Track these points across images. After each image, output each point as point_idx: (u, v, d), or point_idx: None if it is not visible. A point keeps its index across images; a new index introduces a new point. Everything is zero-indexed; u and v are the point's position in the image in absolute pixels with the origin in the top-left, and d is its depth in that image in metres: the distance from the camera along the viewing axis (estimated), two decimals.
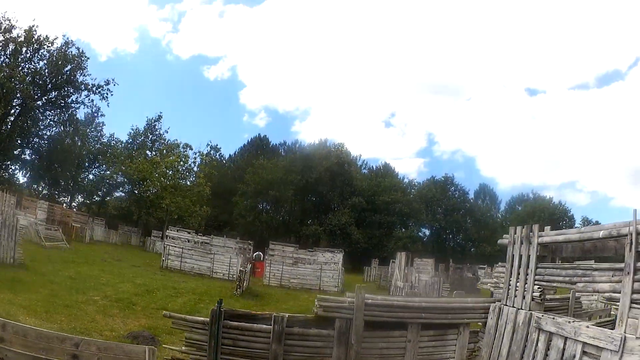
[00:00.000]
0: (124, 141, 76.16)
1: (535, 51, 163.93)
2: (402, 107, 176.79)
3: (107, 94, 65.69)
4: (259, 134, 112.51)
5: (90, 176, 73.46)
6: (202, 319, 9.20)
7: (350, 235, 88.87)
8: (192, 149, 73.98)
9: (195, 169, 75.34)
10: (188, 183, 72.98)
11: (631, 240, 6.54)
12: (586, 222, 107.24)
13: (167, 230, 42.00)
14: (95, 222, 58.41)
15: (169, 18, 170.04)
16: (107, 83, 65.34)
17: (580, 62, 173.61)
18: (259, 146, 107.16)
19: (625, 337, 6.22)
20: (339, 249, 44.85)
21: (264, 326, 8.75)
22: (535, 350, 8.05)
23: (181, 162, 69.77)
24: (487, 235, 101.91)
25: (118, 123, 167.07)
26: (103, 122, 72.61)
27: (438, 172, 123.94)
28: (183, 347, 9.31)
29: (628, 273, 6.51)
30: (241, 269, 30.13)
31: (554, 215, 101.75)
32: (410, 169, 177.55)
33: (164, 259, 38.80)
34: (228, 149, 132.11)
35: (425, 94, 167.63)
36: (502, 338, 8.93)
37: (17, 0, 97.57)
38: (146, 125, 75.61)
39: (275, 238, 62.24)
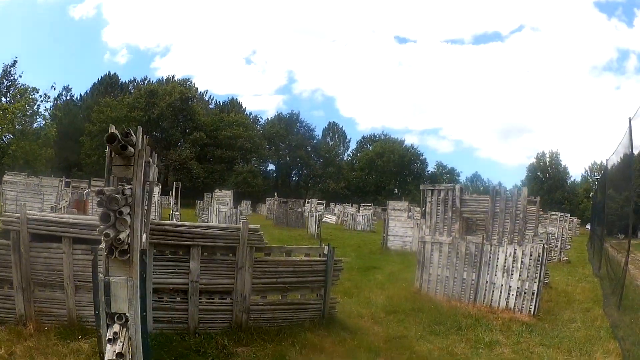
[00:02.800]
0: None
1: (410, 1, 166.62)
2: (264, 45, 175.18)
3: None
4: (109, 72, 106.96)
5: None
6: None
7: (191, 170, 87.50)
8: (38, 92, 69.15)
9: (42, 112, 70.70)
10: (36, 126, 68.81)
11: None
12: (440, 166, 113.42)
13: (5, 175, 39.34)
14: None
15: None
16: None
17: (458, 19, 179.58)
18: (108, 84, 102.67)
19: None
20: (158, 183, 43.33)
21: None
22: None
23: (27, 107, 65.19)
24: (333, 172, 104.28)
25: None
26: None
27: (297, 110, 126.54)
28: None
29: None
30: (52, 205, 28.64)
31: (404, 157, 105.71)
32: (269, 106, 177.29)
33: (2, 204, 36.09)
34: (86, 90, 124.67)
35: (288, 32, 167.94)
36: None
37: None
38: (2, 71, 69.83)
39: None
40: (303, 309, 9.83)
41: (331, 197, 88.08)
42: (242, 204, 69.38)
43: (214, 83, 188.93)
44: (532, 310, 12.08)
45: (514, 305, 12.29)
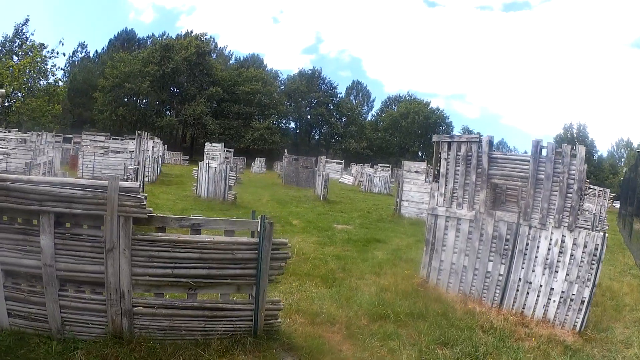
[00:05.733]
0: None
1: None
2: (290, 3, 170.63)
3: None
4: (126, 28, 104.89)
5: None
6: None
7: (206, 126, 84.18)
8: (45, 48, 66.54)
9: (51, 68, 68.27)
10: (45, 83, 66.76)
11: None
12: (466, 131, 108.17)
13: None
14: None
15: None
16: None
17: None
18: (125, 40, 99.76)
19: None
20: (151, 136, 39.63)
21: None
22: None
23: (37, 63, 62.74)
24: (355, 131, 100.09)
25: None
26: None
27: (324, 70, 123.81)
28: None
29: None
30: (27, 162, 25.39)
31: (429, 118, 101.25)
32: (295, 66, 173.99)
33: None
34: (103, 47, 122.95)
35: None
36: None
37: None
38: (14, 30, 67.24)
39: (132, 131, 58.43)
40: (221, 317, 6.08)
41: (353, 157, 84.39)
42: (255, 161, 66.13)
43: (241, 42, 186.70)
44: (579, 324, 8.36)
45: (555, 316, 8.54)
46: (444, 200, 9.85)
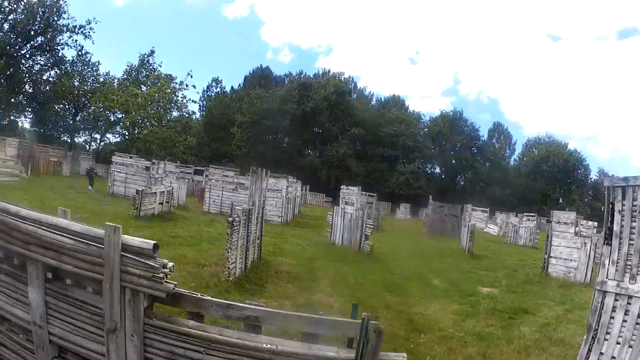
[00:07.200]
0: (118, 78, 75.58)
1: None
2: (425, 44, 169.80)
3: (89, 32, 69.49)
4: (261, 65, 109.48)
5: (84, 114, 75.56)
6: None
7: (350, 168, 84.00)
8: (173, 80, 70.99)
9: (180, 99, 72.62)
10: (177, 114, 71.80)
11: None
12: (601, 173, 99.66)
13: (113, 157, 39.23)
14: (82, 157, 59.89)
15: None
16: (89, 22, 69.34)
17: (600, 14, 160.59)
18: (261, 77, 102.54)
19: None
20: (285, 175, 39.05)
21: None
22: None
23: (164, 94, 67.25)
24: (499, 176, 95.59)
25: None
26: (99, 62, 76.49)
27: (465, 112, 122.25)
28: None
29: None
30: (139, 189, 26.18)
31: (568, 161, 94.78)
32: (436, 108, 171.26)
33: (109, 185, 36.99)
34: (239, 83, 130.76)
35: (449, 32, 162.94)
36: None
37: None
38: (139, 60, 74.89)
39: (274, 169, 59.32)
40: None
41: (497, 204, 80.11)
42: (400, 207, 64.72)
43: (378, 83, 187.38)
44: None
45: None
46: (616, 270, 7.60)
